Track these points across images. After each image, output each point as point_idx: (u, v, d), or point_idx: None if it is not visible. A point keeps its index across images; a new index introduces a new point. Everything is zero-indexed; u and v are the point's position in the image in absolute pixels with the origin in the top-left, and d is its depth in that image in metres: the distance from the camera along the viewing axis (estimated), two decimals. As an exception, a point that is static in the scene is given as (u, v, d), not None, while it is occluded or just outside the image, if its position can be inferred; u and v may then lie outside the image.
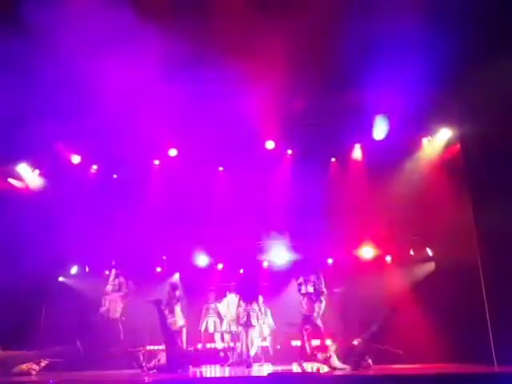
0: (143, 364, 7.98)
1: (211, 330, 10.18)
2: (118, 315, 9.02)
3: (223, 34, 7.35)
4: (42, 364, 8.16)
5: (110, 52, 7.15)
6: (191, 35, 7.22)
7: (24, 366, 7.93)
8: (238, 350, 8.82)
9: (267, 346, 9.58)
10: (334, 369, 7.09)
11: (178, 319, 8.41)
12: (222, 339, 10.09)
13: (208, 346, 10.16)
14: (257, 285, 9.69)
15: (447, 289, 8.43)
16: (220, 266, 11.15)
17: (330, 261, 10.61)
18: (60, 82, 7.77)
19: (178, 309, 8.50)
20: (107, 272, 10.92)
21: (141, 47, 7.18)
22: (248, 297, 9.01)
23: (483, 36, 7.26)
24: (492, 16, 7.12)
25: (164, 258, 11.21)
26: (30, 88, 7.68)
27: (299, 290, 8.45)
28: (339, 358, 7.19)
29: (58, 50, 7.12)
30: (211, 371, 7.96)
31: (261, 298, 9.36)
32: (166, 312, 8.15)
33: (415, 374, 5.46)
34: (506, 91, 7.08)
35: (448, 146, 9.05)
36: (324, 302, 8.27)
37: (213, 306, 10.31)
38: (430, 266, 9.67)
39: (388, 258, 10.29)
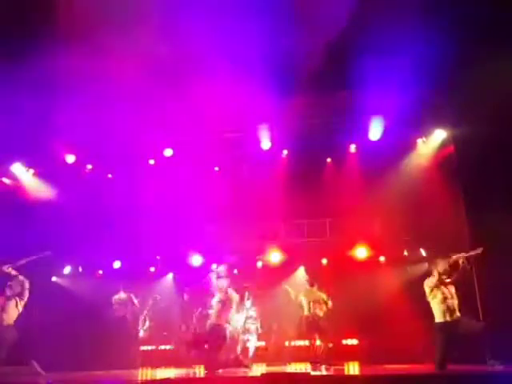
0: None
1: None
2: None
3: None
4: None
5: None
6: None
7: None
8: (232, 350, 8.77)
9: (260, 347, 9.54)
10: None
11: None
12: None
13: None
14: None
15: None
16: (214, 267, 11.10)
17: (324, 261, 10.62)
18: (55, 84, 7.75)
19: None
20: (101, 272, 10.93)
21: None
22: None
23: (477, 39, 7.31)
24: (486, 19, 7.17)
25: (158, 257, 11.18)
26: (25, 90, 7.64)
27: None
28: None
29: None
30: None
31: (249, 301, 9.32)
32: None
33: (408, 374, 5.46)
34: (499, 93, 7.13)
35: (442, 146, 9.10)
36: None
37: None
38: (424, 267, 9.68)
39: (382, 259, 10.32)
